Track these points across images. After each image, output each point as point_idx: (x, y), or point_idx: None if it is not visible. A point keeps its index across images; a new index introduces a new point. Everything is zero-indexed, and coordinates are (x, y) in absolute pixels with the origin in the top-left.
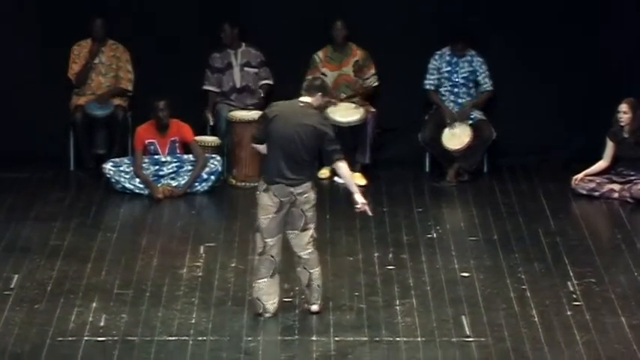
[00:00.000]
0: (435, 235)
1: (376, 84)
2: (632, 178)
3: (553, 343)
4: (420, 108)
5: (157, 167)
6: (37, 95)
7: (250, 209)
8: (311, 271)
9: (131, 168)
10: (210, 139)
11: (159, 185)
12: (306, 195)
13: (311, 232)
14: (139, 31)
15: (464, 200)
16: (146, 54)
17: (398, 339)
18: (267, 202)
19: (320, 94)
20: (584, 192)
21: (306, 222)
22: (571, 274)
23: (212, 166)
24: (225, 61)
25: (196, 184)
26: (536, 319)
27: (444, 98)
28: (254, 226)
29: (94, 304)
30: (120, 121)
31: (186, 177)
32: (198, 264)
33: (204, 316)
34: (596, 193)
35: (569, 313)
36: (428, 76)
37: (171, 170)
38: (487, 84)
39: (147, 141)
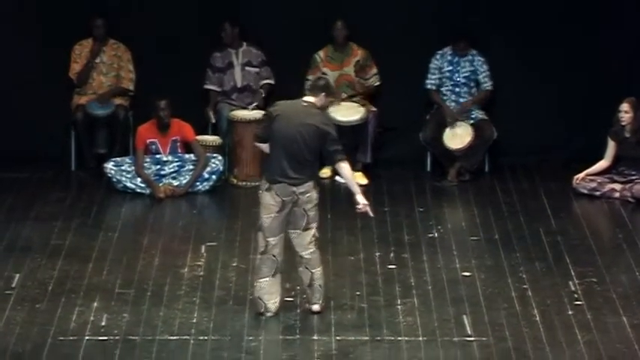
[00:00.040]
0: (436, 234)
1: (378, 83)
2: (634, 177)
3: (554, 342)
4: (421, 107)
5: (158, 167)
6: (38, 95)
7: (251, 208)
8: (313, 270)
9: (132, 167)
10: (212, 139)
11: (160, 185)
12: (308, 194)
13: (313, 231)
14: (140, 31)
15: (465, 200)
16: (147, 53)
17: (399, 338)
18: (270, 201)
19: (324, 94)
20: (586, 191)
21: (308, 221)
22: (572, 273)
23: (213, 165)
24: (226, 60)
25: (197, 183)
26: (537, 318)
27: (445, 98)
28: (256, 226)
29: (96, 304)
30: (121, 121)
31: (187, 176)
32: (199, 263)
33: (206, 316)
34: (598, 193)
35: (570, 312)
36: (429, 76)
37: (172, 170)
38: (487, 83)
39: (148, 140)
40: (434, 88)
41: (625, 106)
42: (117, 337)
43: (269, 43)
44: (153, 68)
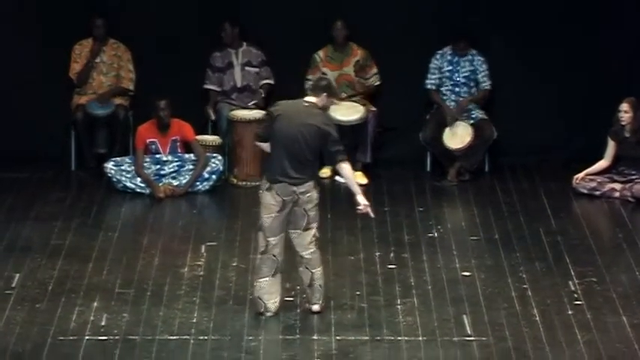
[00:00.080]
0: (436, 234)
1: (378, 83)
2: (634, 177)
3: (554, 342)
4: (420, 107)
5: (158, 166)
6: (38, 95)
7: (251, 208)
8: (313, 270)
9: (132, 167)
10: (212, 139)
11: (160, 184)
12: (308, 194)
13: (313, 231)
14: (140, 31)
15: (465, 199)
16: (147, 53)
17: (399, 338)
18: (270, 201)
19: (325, 94)
20: (585, 191)
21: (309, 221)
22: (572, 273)
23: (213, 165)
24: (226, 60)
25: (197, 183)
26: (537, 318)
27: (445, 98)
28: (257, 225)
29: (95, 304)
30: (121, 121)
31: (187, 176)
32: (199, 263)
33: (206, 315)
34: (597, 193)
35: (570, 312)
36: (429, 76)
37: (172, 169)
38: (486, 83)
39: (148, 140)
40: (434, 88)
41: (625, 106)
42: (117, 337)
43: (269, 43)
44: (153, 68)
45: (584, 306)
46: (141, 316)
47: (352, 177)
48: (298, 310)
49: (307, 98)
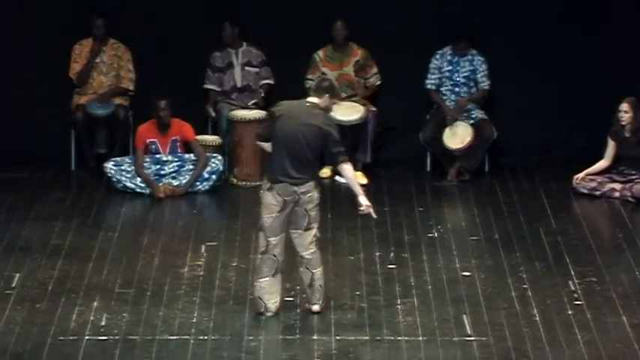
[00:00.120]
0: (436, 234)
1: (380, 82)
2: (634, 177)
3: (554, 342)
4: (421, 107)
5: (158, 166)
6: (38, 95)
7: (251, 208)
8: (313, 271)
9: (132, 167)
10: (212, 139)
11: (160, 184)
12: (309, 194)
13: (314, 231)
14: (140, 31)
15: (465, 199)
16: (147, 53)
17: (399, 338)
18: (271, 200)
19: (328, 95)
20: (586, 191)
21: (310, 221)
22: (572, 273)
23: (213, 165)
24: (226, 60)
25: (197, 183)
26: (537, 318)
27: (444, 97)
28: (257, 225)
29: (95, 304)
30: (121, 121)
31: (187, 176)
32: (199, 263)
33: (206, 315)
34: (597, 193)
35: (570, 312)
36: (429, 76)
37: (172, 169)
38: (484, 83)
39: (148, 140)
40: (434, 87)
41: (625, 106)
42: (117, 337)
43: (269, 43)
44: (153, 68)
45: (584, 306)
46: (141, 316)
47: (354, 178)
48: (298, 310)
49: (309, 99)
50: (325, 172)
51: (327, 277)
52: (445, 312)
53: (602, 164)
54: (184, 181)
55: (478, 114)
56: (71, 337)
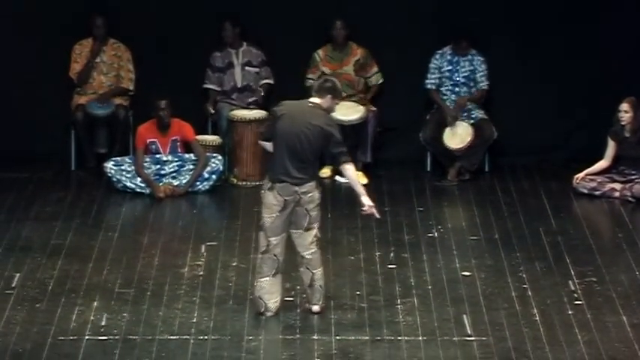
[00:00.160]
0: (436, 234)
1: (381, 81)
2: (634, 177)
3: (554, 342)
4: (421, 107)
5: (158, 166)
6: (38, 95)
7: (251, 208)
8: (314, 271)
9: (132, 167)
10: (212, 139)
11: (160, 184)
12: (310, 194)
13: (315, 231)
14: (140, 31)
15: (465, 199)
16: (147, 53)
17: (399, 338)
18: (272, 200)
19: (330, 96)
20: (586, 191)
21: (310, 221)
22: (572, 273)
23: (213, 165)
24: (226, 60)
25: (197, 183)
26: (537, 318)
27: (445, 97)
28: (258, 225)
29: (96, 303)
30: (121, 121)
31: (187, 176)
32: (199, 263)
33: (206, 315)
34: (598, 193)
35: (570, 312)
36: (429, 76)
37: (172, 169)
38: (483, 82)
39: (148, 140)
40: (434, 87)
41: (625, 106)
42: (117, 337)
43: (269, 43)
44: (153, 68)
45: (584, 306)
46: (141, 316)
47: (356, 178)
48: (298, 310)
49: (312, 99)
50: (325, 172)
51: (327, 277)
52: (445, 312)
53: (602, 164)
54: (184, 181)
55: (478, 114)
56: (71, 337)
